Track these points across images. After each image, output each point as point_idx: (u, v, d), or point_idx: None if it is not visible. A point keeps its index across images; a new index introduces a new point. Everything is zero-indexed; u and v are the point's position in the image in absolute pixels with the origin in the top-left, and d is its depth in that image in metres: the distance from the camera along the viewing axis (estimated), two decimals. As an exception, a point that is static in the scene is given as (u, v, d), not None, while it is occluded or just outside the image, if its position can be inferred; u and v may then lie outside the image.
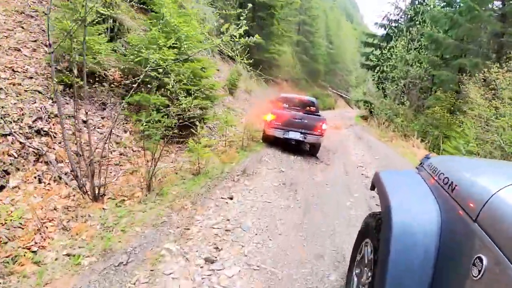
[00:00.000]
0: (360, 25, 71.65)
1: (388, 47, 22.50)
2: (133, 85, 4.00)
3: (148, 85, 5.42)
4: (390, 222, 1.44)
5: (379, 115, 19.18)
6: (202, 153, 5.48)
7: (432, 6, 18.17)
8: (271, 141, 8.47)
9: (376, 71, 20.84)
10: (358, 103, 47.25)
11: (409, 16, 22.54)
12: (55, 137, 4.29)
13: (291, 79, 27.52)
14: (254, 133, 9.17)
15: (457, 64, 13.71)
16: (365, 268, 1.93)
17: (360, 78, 54.26)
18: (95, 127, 5.23)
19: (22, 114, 4.09)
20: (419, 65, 17.54)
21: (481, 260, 0.99)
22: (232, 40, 4.11)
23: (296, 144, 8.24)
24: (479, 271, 0.98)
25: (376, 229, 1.83)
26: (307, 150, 9.09)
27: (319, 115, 8.39)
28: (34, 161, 3.79)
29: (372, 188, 2.20)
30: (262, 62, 20.77)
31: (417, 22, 18.39)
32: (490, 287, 0.95)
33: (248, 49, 20.13)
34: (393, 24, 23.96)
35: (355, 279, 2.13)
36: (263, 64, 21.27)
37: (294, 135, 7.59)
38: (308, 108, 9.10)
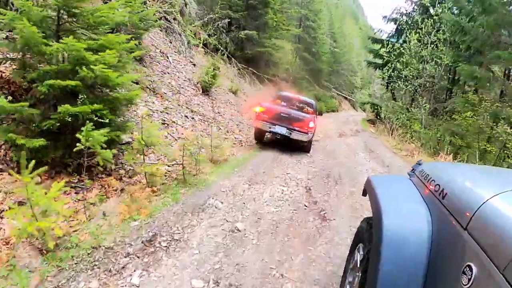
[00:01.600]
0: (365, 26, 68.07)
1: (400, 42, 19.24)
2: None
3: None
4: (381, 228, 1.37)
5: (389, 119, 15.89)
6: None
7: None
8: (262, 142, 8.34)
9: (385, 69, 17.53)
10: (364, 105, 44.02)
11: (423, 7, 19.22)
12: None
13: (291, 78, 24.32)
14: (216, 151, 6.03)
15: (494, 56, 10.33)
16: (357, 273, 1.82)
17: (366, 80, 51.09)
18: None
19: None
20: (438, 60, 14.21)
21: (470, 268, 0.95)
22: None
23: (284, 142, 8.06)
24: (469, 280, 0.94)
25: (368, 234, 1.74)
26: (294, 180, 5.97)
27: (311, 114, 8.17)
28: None
29: (364, 194, 2.08)
30: (256, 58, 17.65)
31: (436, 12, 15.06)
32: None
33: (238, 41, 17.16)
34: (404, 18, 20.63)
35: (348, 284, 2.03)
36: (257, 61, 18.13)
37: (280, 130, 7.34)
38: (305, 109, 8.88)
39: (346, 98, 40.03)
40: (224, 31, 15.93)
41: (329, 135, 13.10)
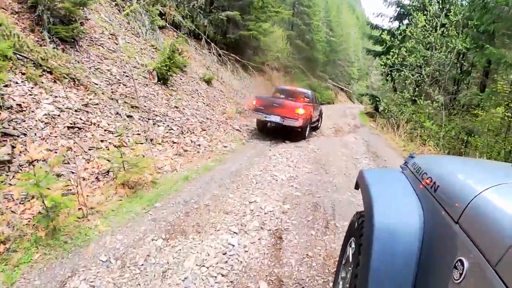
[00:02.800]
0: (362, 17, 64.85)
1: (405, 25, 16.70)
2: None
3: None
4: (372, 222, 1.33)
5: (392, 113, 13.48)
6: None
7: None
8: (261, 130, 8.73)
9: (388, 56, 14.96)
10: (362, 97, 41.51)
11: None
12: None
13: (283, 67, 21.76)
14: (134, 169, 3.66)
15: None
16: (349, 268, 1.77)
17: (363, 71, 48.40)
18: None
19: None
20: (450, 45, 11.75)
21: (462, 263, 0.91)
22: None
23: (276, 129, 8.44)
24: (460, 274, 0.90)
25: (358, 228, 1.70)
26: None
27: (304, 103, 8.38)
28: None
29: (356, 187, 2.00)
30: (240, 43, 15.09)
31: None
32: None
33: (218, 24, 14.58)
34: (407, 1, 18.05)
35: (342, 278, 1.95)
36: (242, 47, 15.59)
37: (274, 118, 7.73)
38: (301, 99, 9.02)
39: (342, 89, 37.47)
40: (202, 12, 13.36)
41: (323, 132, 10.68)
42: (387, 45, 18.28)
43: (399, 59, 14.05)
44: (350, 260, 1.77)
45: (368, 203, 1.47)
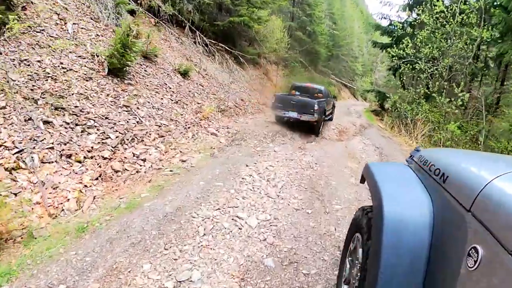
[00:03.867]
0: (365, 13, 62.10)
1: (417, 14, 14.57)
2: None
3: None
4: (382, 215, 1.30)
5: (403, 112, 11.45)
6: None
7: None
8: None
9: (397, 48, 12.83)
10: (367, 94, 39.21)
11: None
12: None
13: (281, 60, 19.68)
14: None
15: None
16: (356, 262, 1.71)
17: (367, 67, 46.05)
18: None
19: None
20: (473, 33, 9.68)
21: (476, 250, 0.90)
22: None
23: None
24: (475, 262, 0.89)
25: (366, 223, 1.62)
26: None
27: (319, 98, 8.70)
28: None
29: (362, 181, 1.97)
30: (230, 32, 13.08)
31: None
32: (487, 277, 0.85)
33: (204, 9, 12.53)
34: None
35: (347, 268, 1.90)
36: (233, 37, 13.55)
37: (292, 114, 8.00)
38: (315, 94, 9.24)
39: (346, 85, 35.27)
40: (186, -5, 11.35)
41: (326, 134, 8.72)
42: (397, 36, 16.19)
43: (412, 50, 11.93)
44: (355, 255, 1.72)
45: (377, 196, 1.42)
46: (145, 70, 7.11)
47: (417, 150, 1.97)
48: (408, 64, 11.65)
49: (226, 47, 12.24)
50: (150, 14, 9.81)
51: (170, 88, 7.45)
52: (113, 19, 7.57)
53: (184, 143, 5.59)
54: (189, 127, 6.51)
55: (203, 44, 11.64)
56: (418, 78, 15.53)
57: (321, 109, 8.07)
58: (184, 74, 8.45)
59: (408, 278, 1.20)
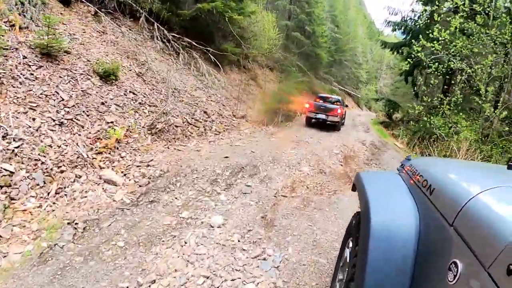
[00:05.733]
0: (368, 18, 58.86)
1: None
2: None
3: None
4: (369, 224, 1.28)
5: (429, 127, 8.17)
6: None
7: None
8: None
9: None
10: (372, 103, 35.80)
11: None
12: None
13: (276, 64, 16.56)
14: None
15: None
16: (347, 268, 1.67)
17: (371, 74, 42.74)
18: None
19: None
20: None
21: (456, 265, 0.89)
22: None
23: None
24: (454, 276, 0.87)
25: (356, 229, 1.61)
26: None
27: (339, 105, 10.64)
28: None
29: (353, 189, 1.92)
30: (204, 27, 9.98)
31: None
32: None
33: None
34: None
35: (339, 281, 1.85)
36: (208, 32, 10.43)
37: (321, 116, 9.61)
38: (335, 102, 11.08)
39: (349, 94, 31.95)
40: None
41: (325, 161, 5.49)
42: (412, 32, 12.94)
43: (439, 45, 8.57)
44: (348, 260, 1.69)
45: (365, 204, 1.41)
46: (31, 73, 4.03)
47: (408, 159, 1.89)
48: (436, 63, 8.32)
49: (194, 43, 9.07)
50: (87, 3, 6.80)
51: (63, 100, 4.30)
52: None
53: (26, 212, 2.42)
54: (62, 171, 3.33)
55: (164, 40, 8.53)
56: (431, 85, 12.31)
57: (341, 113, 10.18)
58: (106, 77, 5.28)
59: (395, 283, 1.17)
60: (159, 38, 8.48)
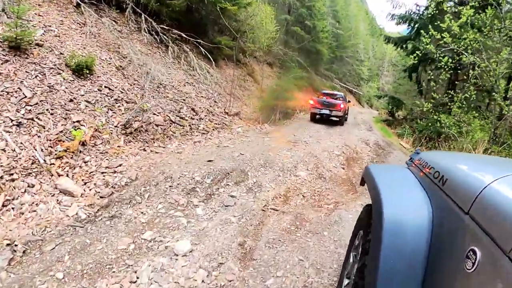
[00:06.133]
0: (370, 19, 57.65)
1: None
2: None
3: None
4: (381, 216, 1.25)
5: (439, 126, 7.52)
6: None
7: None
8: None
9: (421, 39, 8.81)
10: (374, 100, 35.14)
11: None
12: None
13: (276, 60, 15.91)
14: None
15: None
16: (358, 260, 1.63)
17: (373, 71, 41.90)
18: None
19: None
20: None
21: (474, 252, 0.86)
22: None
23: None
24: (473, 264, 0.85)
25: (367, 221, 1.58)
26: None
27: (341, 100, 10.98)
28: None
29: (362, 183, 1.90)
30: (198, 19, 9.35)
31: None
32: (485, 279, 0.82)
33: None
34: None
35: (350, 262, 1.81)
36: (202, 25, 9.80)
37: (325, 111, 9.87)
38: (338, 98, 11.23)
39: (350, 91, 31.19)
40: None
41: (325, 164, 4.86)
42: (417, 26, 12.23)
43: (449, 37, 7.88)
44: (359, 252, 1.62)
45: (376, 197, 1.39)
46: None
47: (417, 152, 1.88)
48: (446, 57, 7.62)
49: (185, 36, 8.43)
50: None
51: (25, 97, 3.70)
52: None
53: None
54: (13, 180, 2.75)
55: (152, 32, 7.91)
56: (440, 80, 11.69)
57: (344, 108, 10.43)
58: (79, 71, 4.66)
59: (407, 279, 1.15)
60: (146, 30, 7.86)
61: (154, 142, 4.90)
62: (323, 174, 4.61)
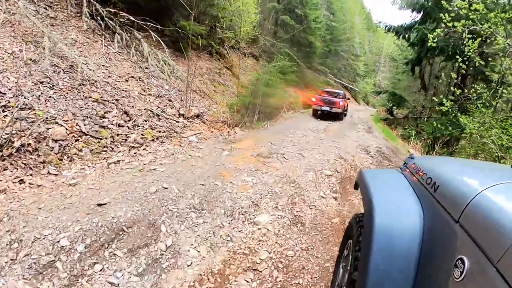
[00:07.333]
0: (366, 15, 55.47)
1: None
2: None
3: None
4: (372, 223, 1.22)
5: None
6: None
7: None
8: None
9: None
10: (370, 97, 33.73)
11: None
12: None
13: (264, 54, 14.10)
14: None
15: None
16: (347, 268, 1.63)
17: (369, 67, 40.16)
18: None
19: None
20: None
21: (463, 261, 0.85)
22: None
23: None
24: (461, 273, 0.84)
25: (357, 229, 1.58)
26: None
27: (341, 98, 11.63)
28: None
29: (356, 187, 1.83)
30: (164, 5, 7.49)
31: None
32: None
33: None
34: None
35: (340, 273, 1.79)
36: (166, 9, 7.95)
37: (326, 108, 10.50)
38: (338, 96, 11.96)
39: (346, 87, 29.36)
40: None
41: (305, 196, 3.05)
42: (424, 10, 10.42)
43: (473, 14, 6.03)
44: (349, 261, 1.63)
45: (368, 203, 1.36)
46: None
47: (411, 157, 1.82)
48: (471, 40, 5.77)
49: (138, 21, 6.58)
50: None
51: None
52: None
53: None
54: None
55: (97, 17, 6.14)
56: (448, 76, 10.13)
57: (343, 105, 11.41)
58: None
59: (399, 283, 1.13)
60: (88, 15, 6.07)
61: (43, 168, 3.06)
62: (301, 217, 2.80)
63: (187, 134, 4.87)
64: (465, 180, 1.19)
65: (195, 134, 4.92)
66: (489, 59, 7.64)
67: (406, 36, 12.76)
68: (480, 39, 5.91)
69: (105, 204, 2.49)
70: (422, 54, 10.84)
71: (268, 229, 2.53)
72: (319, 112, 10.81)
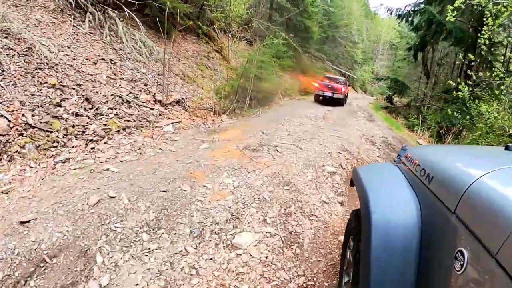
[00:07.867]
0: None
1: None
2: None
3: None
4: (369, 219, 1.19)
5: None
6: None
7: None
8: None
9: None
10: (368, 85, 33.09)
11: None
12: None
13: (258, 38, 13.20)
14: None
15: None
16: (350, 266, 1.57)
17: (367, 55, 39.17)
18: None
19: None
20: None
21: (462, 254, 0.83)
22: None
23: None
24: (461, 265, 0.81)
25: (356, 226, 1.52)
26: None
27: (342, 84, 11.78)
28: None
29: (352, 184, 1.77)
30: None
31: None
32: (474, 282, 0.79)
33: None
34: None
35: (346, 276, 1.68)
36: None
37: (328, 94, 10.63)
38: (339, 82, 12.09)
39: (344, 75, 28.45)
40: None
41: (303, 203, 2.34)
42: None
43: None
44: (351, 258, 1.56)
45: (364, 200, 1.33)
46: None
47: (404, 149, 1.78)
48: (491, 18, 4.96)
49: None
50: None
51: None
52: None
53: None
54: None
55: None
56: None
57: (345, 91, 11.57)
58: None
59: (398, 282, 1.09)
60: None
61: None
62: (298, 234, 2.09)
63: (162, 124, 4.09)
64: (458, 169, 1.13)
65: (172, 123, 4.15)
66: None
67: (409, 19, 11.93)
68: (503, 17, 5.11)
69: (29, 221, 1.75)
70: (428, 37, 10.01)
71: (251, 255, 1.81)
72: (321, 97, 10.94)
